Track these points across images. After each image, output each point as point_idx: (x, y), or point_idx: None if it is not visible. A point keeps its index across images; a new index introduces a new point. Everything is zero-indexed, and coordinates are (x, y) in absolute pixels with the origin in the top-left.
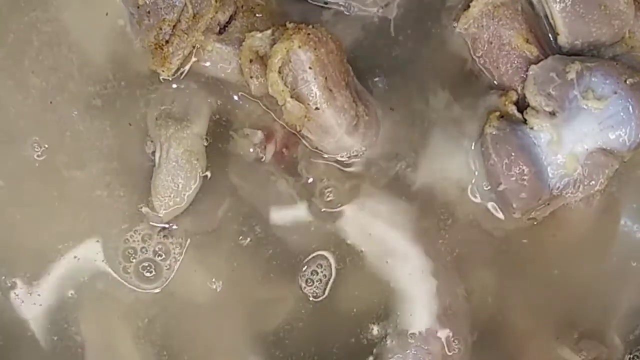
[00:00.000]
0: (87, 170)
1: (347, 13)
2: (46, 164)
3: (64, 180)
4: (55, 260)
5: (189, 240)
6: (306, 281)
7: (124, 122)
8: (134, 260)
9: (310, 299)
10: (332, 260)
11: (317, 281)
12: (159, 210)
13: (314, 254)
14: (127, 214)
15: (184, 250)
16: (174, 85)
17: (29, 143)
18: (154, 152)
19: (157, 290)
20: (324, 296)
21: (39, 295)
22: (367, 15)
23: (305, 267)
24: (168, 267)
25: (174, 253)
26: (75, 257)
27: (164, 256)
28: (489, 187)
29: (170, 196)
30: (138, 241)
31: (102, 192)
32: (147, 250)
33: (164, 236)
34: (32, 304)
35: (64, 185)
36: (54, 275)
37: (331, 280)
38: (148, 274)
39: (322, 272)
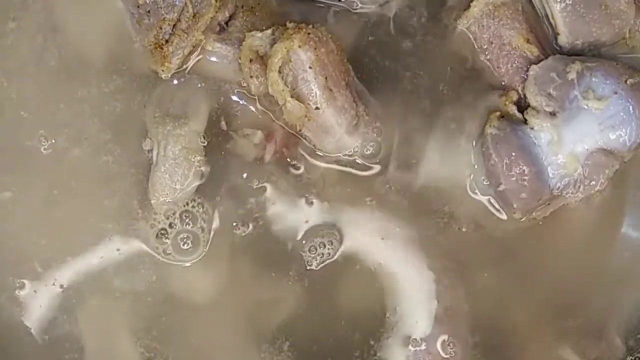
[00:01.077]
0: (89, 168)
1: (351, 9)
2: (48, 163)
3: (71, 179)
4: (64, 261)
5: (215, 210)
6: (309, 249)
7: (122, 119)
8: (167, 241)
9: (308, 268)
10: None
11: (319, 255)
12: (156, 207)
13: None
14: (138, 206)
15: (214, 209)
16: (174, 84)
17: (35, 138)
18: (150, 150)
19: (203, 254)
20: (317, 269)
21: (41, 295)
22: (367, 14)
23: (316, 237)
24: (202, 229)
25: (200, 213)
26: (117, 249)
27: (191, 224)
28: (487, 183)
29: (167, 193)
30: (163, 220)
31: (105, 189)
32: (175, 225)
33: (185, 204)
34: (34, 305)
35: (73, 184)
36: (59, 275)
37: (332, 259)
38: (186, 246)
39: (328, 248)
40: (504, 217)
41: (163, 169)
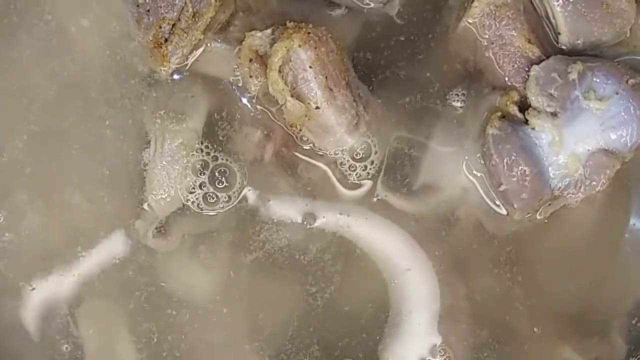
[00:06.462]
0: (88, 167)
1: (362, 4)
2: (44, 163)
3: (69, 179)
4: (63, 261)
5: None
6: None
7: (120, 118)
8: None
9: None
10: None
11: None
12: (154, 205)
13: None
14: (136, 205)
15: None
16: (173, 83)
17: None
18: (148, 146)
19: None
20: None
21: (41, 296)
22: (368, 13)
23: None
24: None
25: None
26: (116, 249)
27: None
28: (482, 161)
29: (165, 190)
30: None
31: (103, 188)
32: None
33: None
34: (33, 306)
35: (71, 184)
36: (58, 276)
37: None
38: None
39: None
40: (504, 212)
41: (160, 165)
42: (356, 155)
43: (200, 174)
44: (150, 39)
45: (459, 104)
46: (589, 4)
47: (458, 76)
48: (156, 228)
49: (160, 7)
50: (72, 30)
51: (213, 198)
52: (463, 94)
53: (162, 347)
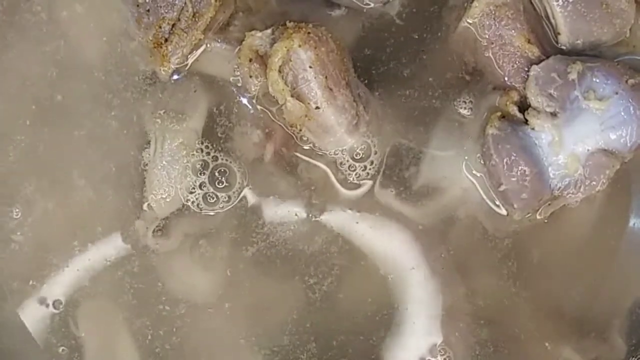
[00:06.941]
0: (88, 168)
1: (361, 4)
2: (41, 162)
3: (69, 179)
4: (63, 261)
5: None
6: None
7: (120, 119)
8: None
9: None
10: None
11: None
12: (154, 205)
13: None
14: (136, 206)
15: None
16: (173, 83)
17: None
18: (147, 146)
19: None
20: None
21: (41, 296)
22: (368, 13)
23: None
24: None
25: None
26: (116, 249)
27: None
28: (483, 162)
29: (165, 190)
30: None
31: (103, 188)
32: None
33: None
34: (33, 305)
35: (72, 183)
36: (58, 275)
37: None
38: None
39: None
40: (504, 212)
41: (160, 165)
42: (356, 155)
43: (200, 174)
44: (150, 38)
45: (466, 112)
46: (588, 4)
47: (458, 76)
48: (156, 228)
49: (160, 7)
50: (71, 29)
51: (213, 198)
52: (471, 102)
53: (162, 346)
